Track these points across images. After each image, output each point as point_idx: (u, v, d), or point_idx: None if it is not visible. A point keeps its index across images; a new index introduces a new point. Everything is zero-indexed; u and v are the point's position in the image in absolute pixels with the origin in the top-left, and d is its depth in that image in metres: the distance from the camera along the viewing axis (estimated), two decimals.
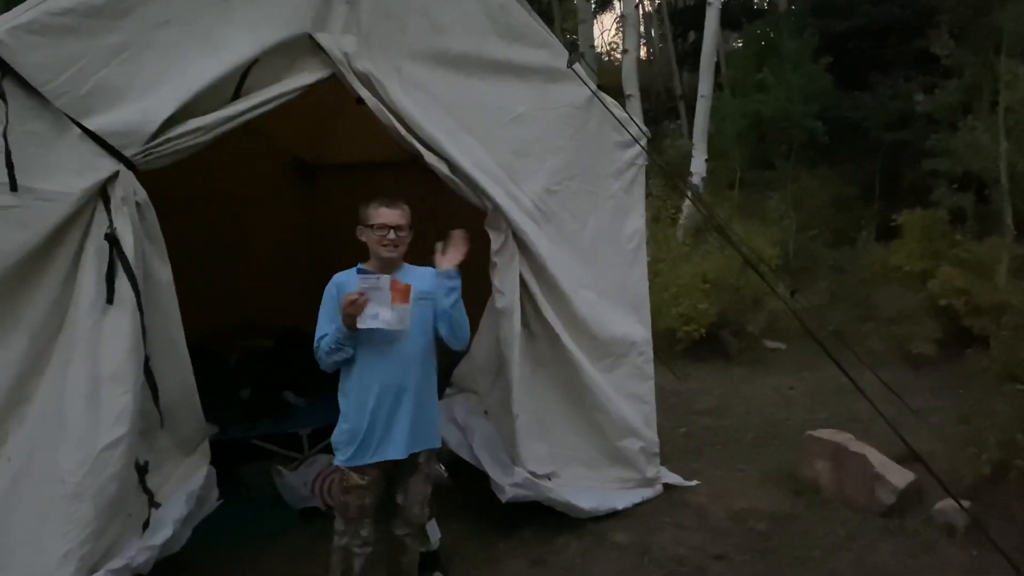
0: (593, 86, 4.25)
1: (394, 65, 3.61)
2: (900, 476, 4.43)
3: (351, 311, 2.94)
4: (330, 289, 3.11)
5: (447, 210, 4.04)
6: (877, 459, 4.50)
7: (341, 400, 3.18)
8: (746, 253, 5.94)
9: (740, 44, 15.72)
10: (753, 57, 13.66)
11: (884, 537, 4.18)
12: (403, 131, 3.59)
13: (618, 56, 17.14)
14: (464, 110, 3.87)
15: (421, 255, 3.28)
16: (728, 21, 16.84)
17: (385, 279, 2.97)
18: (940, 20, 8.96)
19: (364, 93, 3.46)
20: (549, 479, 4.16)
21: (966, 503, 4.17)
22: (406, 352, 3.10)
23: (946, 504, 4.20)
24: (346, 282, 3.06)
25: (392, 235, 3.11)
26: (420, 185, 4.32)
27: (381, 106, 3.51)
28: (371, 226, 3.12)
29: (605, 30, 41.64)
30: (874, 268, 9.31)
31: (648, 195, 5.74)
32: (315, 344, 3.11)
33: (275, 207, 6.71)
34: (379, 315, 2.96)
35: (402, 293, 3.01)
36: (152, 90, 3.02)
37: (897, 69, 12.38)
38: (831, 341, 8.28)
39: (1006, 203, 7.96)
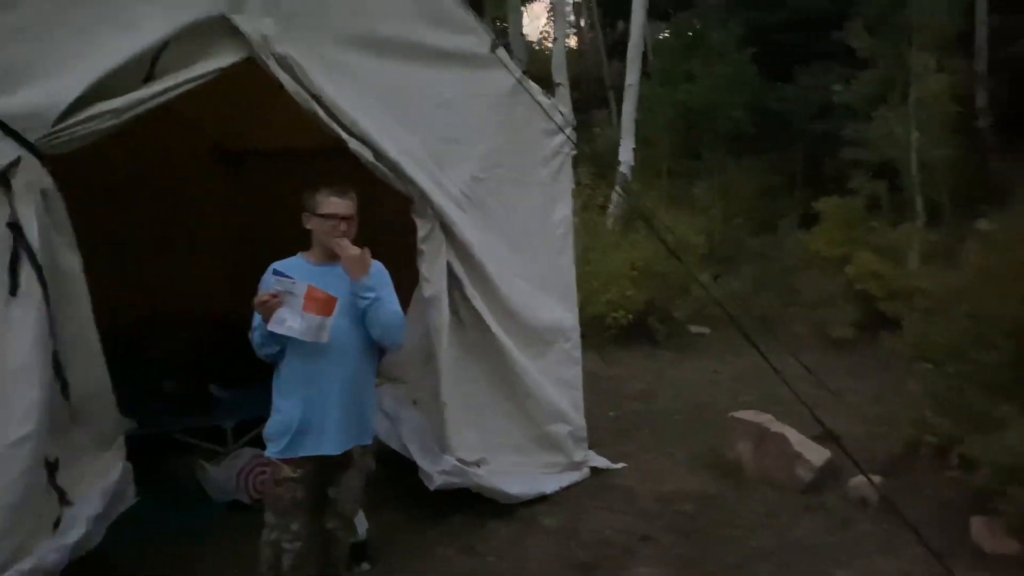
0: (518, 73, 4.25)
1: (316, 49, 3.53)
2: (818, 454, 4.58)
3: (260, 312, 2.88)
4: (266, 278, 3.01)
5: (380, 199, 3.99)
6: (796, 439, 4.65)
7: (274, 391, 3.10)
8: (668, 240, 6.06)
9: (668, 34, 15.93)
10: (680, 48, 13.87)
11: (803, 513, 4.32)
12: (324, 117, 3.52)
13: (550, 45, 17.18)
14: (390, 96, 3.82)
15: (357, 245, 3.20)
16: (656, 11, 17.03)
17: (301, 286, 2.85)
18: (856, 13, 9.24)
19: (283, 77, 3.38)
20: (478, 466, 4.17)
21: (878, 479, 4.34)
22: (340, 346, 3.00)
23: (860, 480, 4.36)
24: (281, 273, 2.97)
25: (343, 226, 3.01)
26: (351, 173, 4.26)
27: (301, 91, 3.43)
28: (320, 215, 3.03)
29: (536, 18, 41.68)
30: (797, 255, 9.59)
31: (577, 184, 5.78)
32: (250, 334, 3.04)
33: (202, 195, 6.51)
34: (287, 321, 2.84)
35: (321, 304, 2.86)
36: (58, 71, 2.89)
37: (819, 61, 12.73)
38: (754, 326, 8.56)
39: (917, 191, 8.29)
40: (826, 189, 10.17)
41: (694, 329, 8.63)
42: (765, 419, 4.86)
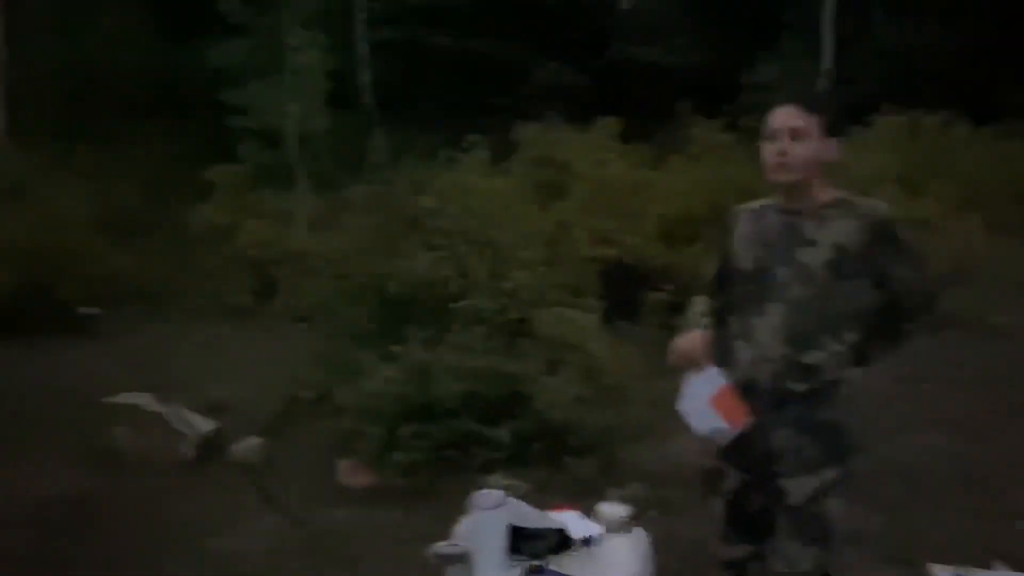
0: None
1: None
2: (202, 426, 4.52)
3: None
4: None
5: None
6: (178, 414, 4.50)
7: None
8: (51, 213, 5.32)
9: None
10: None
11: (187, 489, 4.21)
12: None
13: None
14: None
15: None
16: None
17: None
18: None
19: None
20: None
21: (260, 440, 4.48)
22: None
23: (243, 445, 4.44)
24: None
25: None
26: None
27: None
28: None
29: None
30: (196, 224, 9.33)
31: None
32: None
33: None
34: None
35: None
36: None
37: (218, 27, 12.55)
38: (153, 300, 8.15)
39: (299, 160, 8.79)
40: (225, 157, 10.12)
41: (83, 311, 7.79)
42: (145, 399, 4.60)
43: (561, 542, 2.25)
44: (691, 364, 2.09)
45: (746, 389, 2.06)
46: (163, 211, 10.70)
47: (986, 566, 2.31)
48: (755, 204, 2.22)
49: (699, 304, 2.27)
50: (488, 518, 2.05)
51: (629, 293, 5.79)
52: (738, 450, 2.11)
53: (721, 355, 2.12)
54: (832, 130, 2.05)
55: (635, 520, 2.45)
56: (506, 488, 3.34)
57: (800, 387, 2.02)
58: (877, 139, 9.11)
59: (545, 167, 7.36)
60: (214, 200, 8.91)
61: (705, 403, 2.06)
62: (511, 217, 5.31)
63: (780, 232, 2.08)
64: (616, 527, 2.34)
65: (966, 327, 5.97)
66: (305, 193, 8.63)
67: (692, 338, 2.11)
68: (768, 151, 2.05)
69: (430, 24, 13.43)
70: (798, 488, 2.07)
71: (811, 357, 2.01)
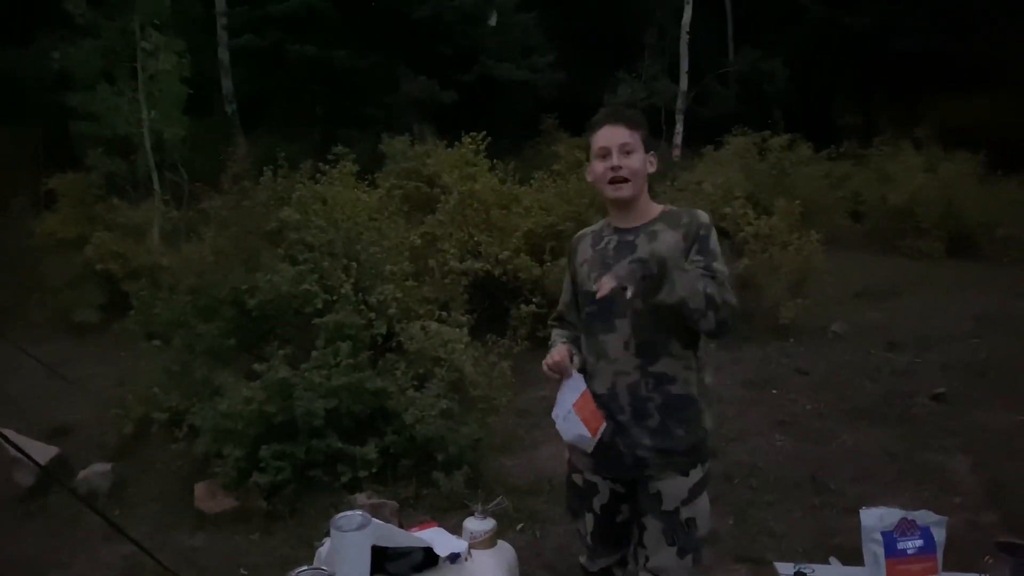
0: None
1: None
2: (42, 453, 4.19)
3: None
4: None
5: None
6: (15, 440, 4.15)
7: None
8: None
9: None
10: None
11: (24, 522, 3.93)
12: None
13: None
14: None
15: None
16: None
17: None
18: None
19: None
20: None
21: (108, 466, 4.22)
22: None
23: (89, 471, 4.17)
24: None
25: None
26: None
27: None
28: None
29: None
30: (40, 236, 8.68)
31: None
32: None
33: None
34: None
35: None
36: None
37: (58, 27, 11.77)
38: None
39: (153, 168, 8.35)
40: (71, 165, 9.47)
41: None
42: None
43: (426, 560, 2.23)
44: (562, 373, 2.11)
45: (608, 401, 2.12)
46: (2, 221, 9.90)
47: (824, 561, 2.46)
48: (594, 227, 2.30)
49: (556, 335, 2.34)
50: (350, 540, 2.01)
51: (498, 306, 5.85)
52: (609, 461, 2.16)
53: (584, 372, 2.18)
54: (648, 144, 2.16)
55: (501, 533, 2.47)
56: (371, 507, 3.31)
57: (656, 396, 2.10)
58: (728, 158, 9.67)
59: (413, 180, 7.33)
60: (59, 210, 8.31)
61: (569, 410, 2.10)
62: (377, 230, 5.25)
63: (616, 250, 2.14)
64: (481, 542, 2.35)
65: (808, 335, 6.39)
66: (160, 204, 8.19)
67: (560, 350, 2.14)
68: (601, 168, 2.12)
69: (295, 33, 13.12)
70: (672, 491, 2.12)
71: (661, 366, 2.08)
